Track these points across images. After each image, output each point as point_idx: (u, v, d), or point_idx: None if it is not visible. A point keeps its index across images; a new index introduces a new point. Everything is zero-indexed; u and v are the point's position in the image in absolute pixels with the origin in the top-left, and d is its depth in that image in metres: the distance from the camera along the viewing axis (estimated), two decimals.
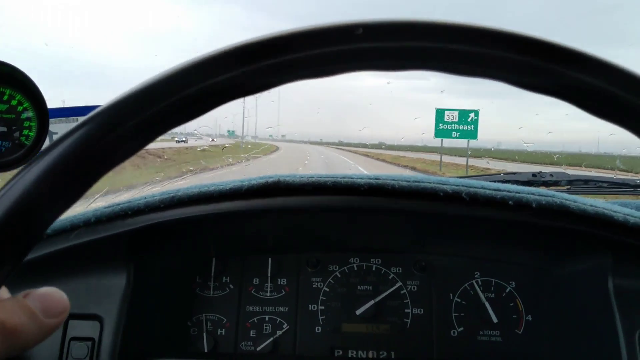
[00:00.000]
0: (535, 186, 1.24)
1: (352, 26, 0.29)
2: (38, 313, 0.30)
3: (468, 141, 13.84)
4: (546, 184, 1.32)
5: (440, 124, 14.04)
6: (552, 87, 0.31)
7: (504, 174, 1.41)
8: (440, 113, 14.08)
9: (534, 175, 1.34)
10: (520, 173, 1.36)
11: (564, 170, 1.40)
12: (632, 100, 0.29)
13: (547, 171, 1.39)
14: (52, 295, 0.32)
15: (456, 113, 14.20)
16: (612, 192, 1.36)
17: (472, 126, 13.99)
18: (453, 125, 14.00)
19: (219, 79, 0.29)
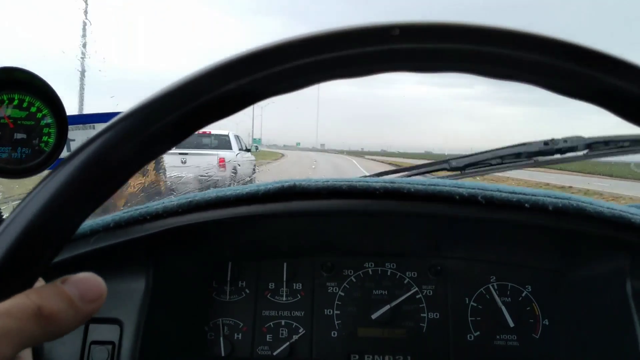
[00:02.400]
0: (548, 155, 1.16)
1: (388, 27, 0.29)
2: (75, 299, 0.30)
3: None
4: (560, 151, 1.17)
5: None
6: (589, 93, 0.31)
7: (511, 146, 1.25)
8: None
9: (545, 143, 1.17)
10: (530, 143, 1.18)
11: (580, 135, 1.24)
12: None
13: (560, 138, 1.18)
14: (89, 280, 0.32)
15: None
16: (636, 151, 1.21)
17: None
18: None
19: (254, 77, 0.30)
